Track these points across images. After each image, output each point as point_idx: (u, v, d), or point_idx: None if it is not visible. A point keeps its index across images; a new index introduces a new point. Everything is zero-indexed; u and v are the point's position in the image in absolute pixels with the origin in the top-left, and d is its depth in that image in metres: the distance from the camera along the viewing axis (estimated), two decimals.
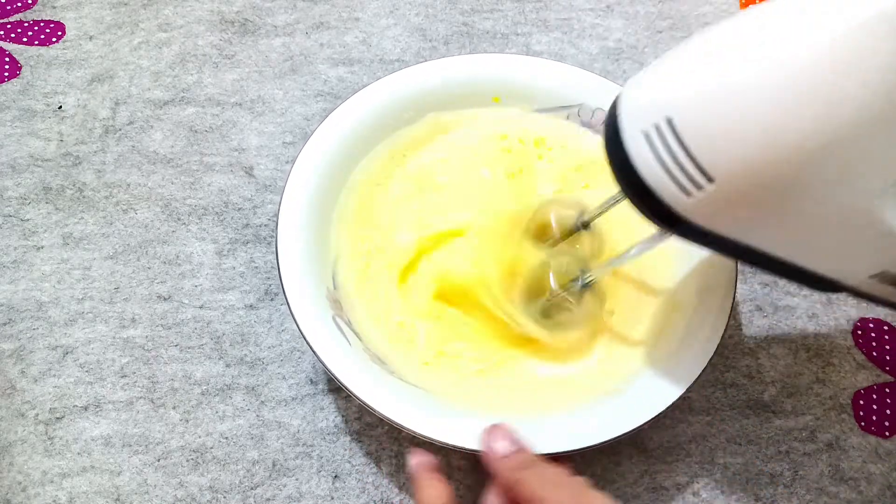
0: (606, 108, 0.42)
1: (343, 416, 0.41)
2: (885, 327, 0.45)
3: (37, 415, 0.41)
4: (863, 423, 0.42)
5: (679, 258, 0.42)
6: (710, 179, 0.27)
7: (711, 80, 0.27)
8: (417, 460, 0.35)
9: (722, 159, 0.27)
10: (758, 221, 0.29)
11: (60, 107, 0.51)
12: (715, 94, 0.27)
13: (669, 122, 0.27)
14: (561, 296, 0.39)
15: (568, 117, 0.46)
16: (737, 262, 0.40)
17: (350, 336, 0.38)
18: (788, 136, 0.26)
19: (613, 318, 0.41)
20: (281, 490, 0.39)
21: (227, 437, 0.40)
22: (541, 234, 0.41)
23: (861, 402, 0.42)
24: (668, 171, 0.28)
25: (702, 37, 0.28)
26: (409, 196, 0.44)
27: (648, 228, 0.32)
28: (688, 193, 0.28)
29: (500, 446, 0.33)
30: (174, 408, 0.41)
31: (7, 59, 0.53)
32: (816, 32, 0.25)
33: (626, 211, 0.33)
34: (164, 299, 0.44)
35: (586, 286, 0.38)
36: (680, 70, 0.28)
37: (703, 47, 0.28)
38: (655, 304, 0.41)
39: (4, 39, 0.54)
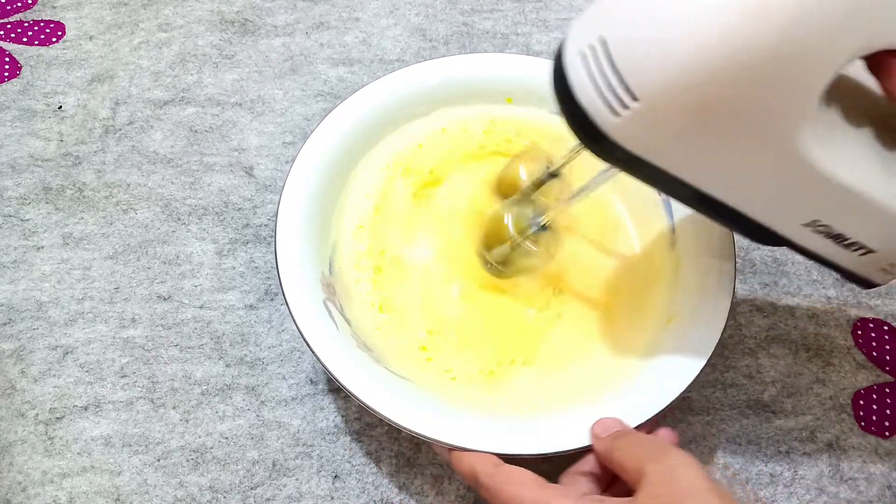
0: None
1: (343, 416, 0.41)
2: (885, 327, 0.45)
3: (37, 415, 0.41)
4: (863, 423, 0.42)
5: (682, 254, 0.42)
6: (634, 98, 0.28)
7: (643, 4, 0.28)
8: (479, 466, 0.35)
9: (645, 77, 0.28)
10: (681, 148, 0.29)
11: (60, 107, 0.51)
12: (642, 10, 0.27)
13: (603, 42, 0.28)
14: (519, 241, 0.39)
15: None
16: (735, 260, 0.40)
17: (339, 320, 0.38)
18: (711, 53, 0.26)
19: (613, 314, 0.41)
20: (281, 490, 0.39)
21: (227, 437, 0.40)
22: (512, 189, 0.42)
23: (861, 402, 0.42)
24: (599, 90, 0.29)
25: None
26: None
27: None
28: (615, 113, 0.29)
29: (604, 429, 0.35)
30: (174, 408, 0.41)
31: (7, 59, 0.53)
32: None
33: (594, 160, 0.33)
34: (164, 299, 0.44)
35: (543, 228, 0.39)
36: None
37: None
38: (655, 303, 0.41)
39: (4, 39, 0.54)
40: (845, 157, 0.30)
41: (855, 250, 0.34)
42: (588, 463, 0.34)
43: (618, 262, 0.43)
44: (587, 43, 0.29)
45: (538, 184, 0.41)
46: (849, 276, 0.36)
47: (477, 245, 0.41)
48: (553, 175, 0.40)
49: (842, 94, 0.30)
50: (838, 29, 0.26)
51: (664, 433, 0.35)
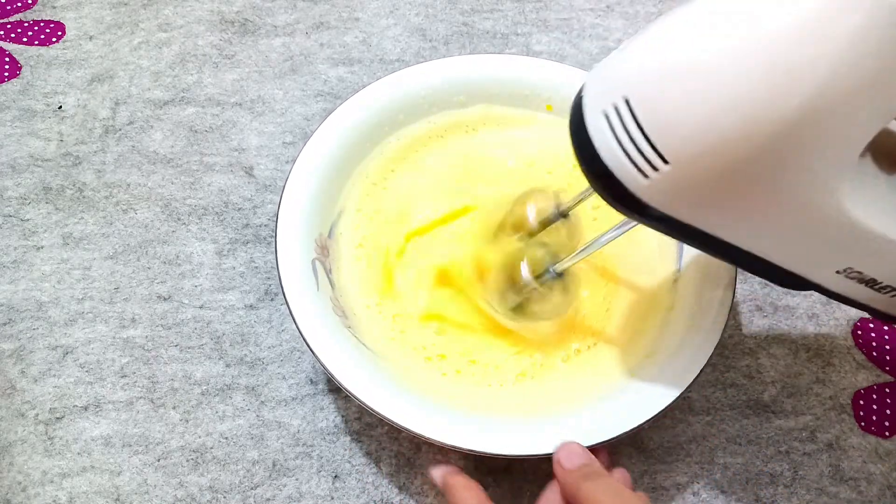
0: None
1: (343, 416, 0.41)
2: (885, 327, 0.45)
3: (37, 415, 0.41)
4: (863, 423, 0.42)
5: (676, 256, 0.42)
6: (665, 161, 0.27)
7: (667, 58, 0.27)
8: (442, 471, 0.35)
9: (676, 140, 0.27)
10: (714, 207, 0.29)
11: (60, 107, 0.51)
12: (669, 72, 0.26)
13: (627, 102, 0.27)
14: (532, 286, 0.38)
15: None
16: (736, 269, 0.40)
17: (322, 281, 0.38)
18: (743, 115, 0.26)
19: (610, 317, 0.41)
20: (281, 490, 0.39)
21: (227, 437, 0.40)
22: (519, 226, 0.41)
23: (861, 402, 0.42)
24: (626, 152, 0.28)
25: (663, 19, 0.28)
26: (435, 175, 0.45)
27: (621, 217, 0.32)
28: (645, 175, 0.28)
29: (569, 457, 0.33)
30: (174, 408, 0.41)
31: (7, 59, 0.53)
32: (775, 9, 0.25)
33: (603, 202, 0.32)
34: (164, 299, 0.44)
35: (558, 276, 0.38)
36: (638, 50, 0.28)
37: (663, 28, 0.28)
38: (655, 303, 0.41)
39: (4, 39, 0.54)
40: (879, 205, 0.30)
41: (888, 293, 0.33)
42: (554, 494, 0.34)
43: (623, 269, 0.43)
44: (610, 102, 0.28)
45: (546, 223, 0.40)
46: (880, 315, 0.35)
47: (482, 289, 0.40)
48: (562, 215, 0.40)
49: (874, 141, 0.29)
50: (873, 89, 0.25)
51: (620, 475, 0.34)
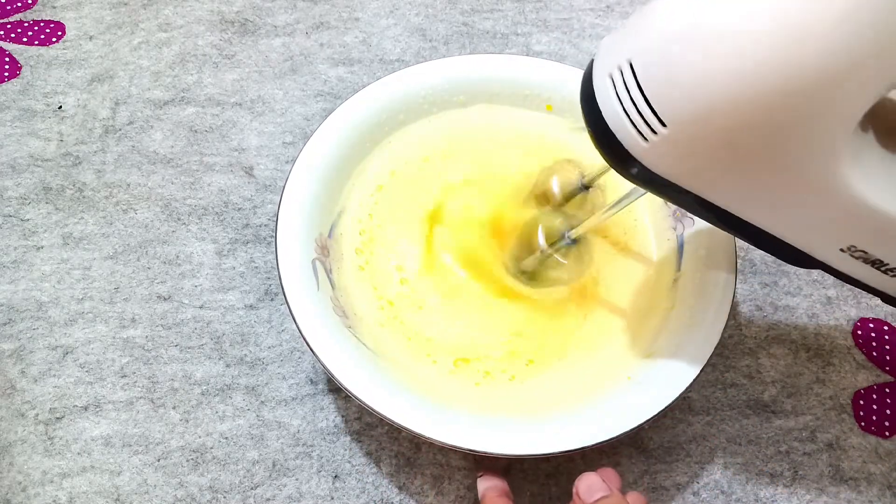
0: None
1: (343, 416, 0.41)
2: (885, 327, 0.45)
3: (37, 415, 0.41)
4: (863, 423, 0.42)
5: (676, 257, 0.42)
6: (663, 124, 0.28)
7: (669, 21, 0.27)
8: (487, 484, 0.35)
9: (673, 103, 0.27)
10: (712, 174, 0.29)
11: (60, 107, 0.51)
12: (670, 34, 0.27)
13: (630, 65, 0.28)
14: (548, 252, 0.39)
15: None
16: (735, 261, 0.40)
17: (322, 281, 0.39)
18: (740, 78, 0.26)
19: (610, 317, 0.41)
20: (281, 490, 0.39)
21: (227, 437, 0.40)
22: (544, 198, 0.42)
23: (861, 402, 0.42)
24: (627, 114, 0.28)
25: None
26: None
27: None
28: (645, 138, 0.28)
29: (588, 491, 0.33)
30: (174, 408, 0.41)
31: (7, 59, 0.53)
32: None
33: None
34: (164, 299, 0.44)
35: (573, 242, 0.39)
36: (645, 14, 0.28)
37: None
38: (655, 303, 0.41)
39: (4, 39, 0.54)
40: (882, 182, 0.29)
41: (894, 276, 0.33)
42: None
43: (631, 264, 0.43)
44: (616, 64, 0.28)
45: (569, 196, 0.41)
46: (890, 300, 0.35)
47: (504, 253, 0.42)
48: (586, 187, 0.41)
49: (877, 116, 0.29)
50: (880, 56, 0.25)
51: (634, 499, 0.34)
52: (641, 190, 0.34)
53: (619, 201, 0.37)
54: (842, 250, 0.31)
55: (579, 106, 0.31)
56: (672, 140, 0.28)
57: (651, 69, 0.27)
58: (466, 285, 0.42)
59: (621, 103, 0.28)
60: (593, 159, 0.44)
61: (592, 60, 0.30)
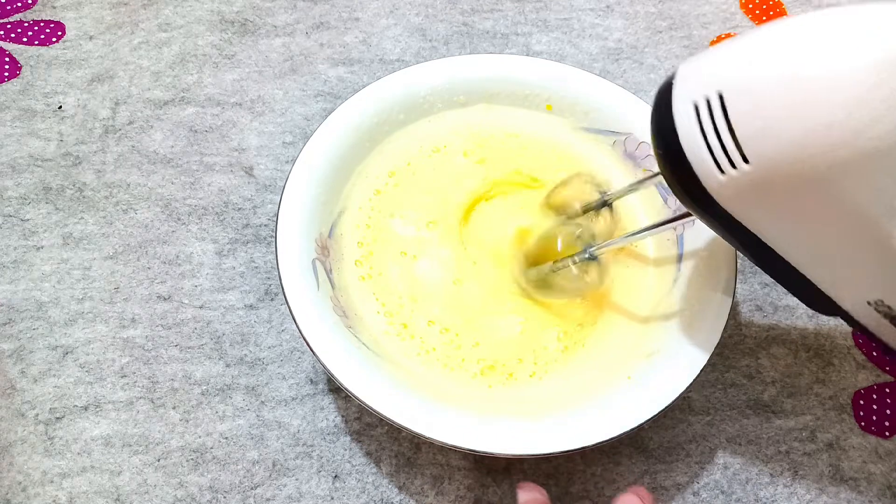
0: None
1: (343, 416, 0.41)
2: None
3: (37, 415, 0.41)
4: (863, 423, 0.42)
5: (676, 257, 0.42)
6: (745, 160, 0.27)
7: (771, 64, 0.27)
8: (527, 497, 0.35)
9: (761, 142, 0.27)
10: (778, 214, 0.29)
11: (60, 107, 0.51)
12: (771, 78, 0.27)
13: (720, 97, 0.28)
14: (564, 263, 0.39)
15: (614, 144, 0.46)
16: (735, 261, 0.40)
17: (322, 281, 0.39)
18: (840, 132, 0.26)
19: (610, 317, 0.41)
20: (281, 490, 0.39)
21: (227, 437, 0.40)
22: (562, 207, 0.42)
23: (861, 402, 0.42)
24: (708, 145, 0.28)
25: (770, 26, 0.28)
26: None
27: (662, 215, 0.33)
28: (722, 171, 0.28)
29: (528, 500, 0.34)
30: (174, 408, 0.41)
31: (7, 59, 0.53)
32: (889, 36, 0.25)
33: (645, 197, 0.35)
34: (164, 299, 0.44)
35: (592, 258, 0.39)
36: (741, 50, 0.28)
37: (774, 32, 0.28)
38: (655, 303, 0.41)
39: (4, 39, 0.54)
40: None
41: None
42: None
43: (632, 265, 0.43)
44: (703, 93, 0.28)
45: (588, 208, 0.41)
46: (891, 351, 0.36)
47: (509, 254, 0.42)
48: (606, 204, 0.41)
49: None
50: None
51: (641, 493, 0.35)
52: (686, 218, 0.34)
53: (656, 226, 0.37)
54: (869, 303, 0.32)
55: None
56: (751, 177, 0.28)
57: (744, 104, 0.27)
58: (467, 285, 0.42)
59: (703, 133, 0.28)
60: (608, 172, 0.45)
61: (670, 83, 0.30)
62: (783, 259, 0.31)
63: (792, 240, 0.30)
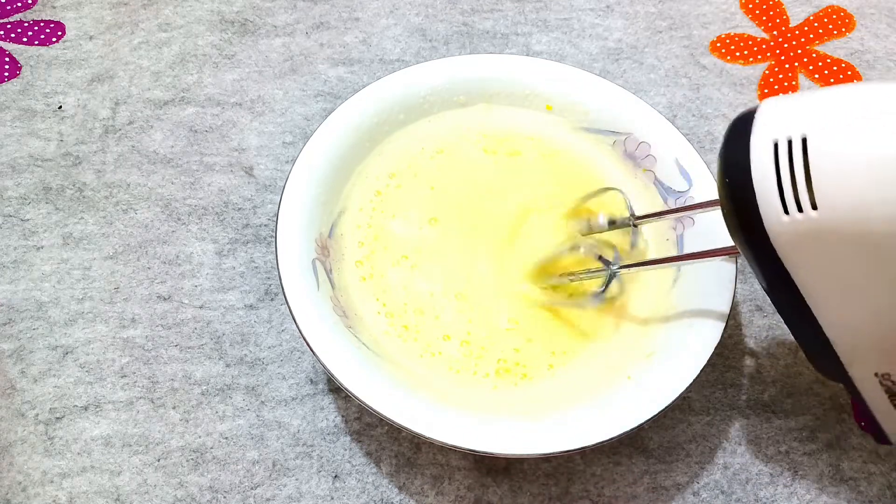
0: (651, 141, 0.44)
1: (343, 416, 0.41)
2: None
3: (37, 415, 0.41)
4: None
5: (684, 252, 0.42)
6: (814, 206, 0.28)
7: (865, 120, 0.27)
8: None
9: (835, 193, 0.27)
10: (827, 266, 0.29)
11: (60, 107, 0.51)
12: (862, 133, 0.27)
13: (804, 139, 0.28)
14: (589, 275, 0.40)
15: (614, 144, 0.46)
16: (736, 261, 0.40)
17: (322, 281, 0.39)
18: None
19: (611, 317, 0.41)
20: (281, 490, 0.39)
21: (227, 437, 0.40)
22: (586, 217, 0.43)
23: None
24: (780, 184, 0.28)
25: (872, 84, 0.29)
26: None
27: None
28: (787, 212, 0.28)
29: None
30: (174, 408, 0.41)
31: (7, 59, 0.53)
32: None
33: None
34: (164, 299, 0.44)
35: (613, 276, 0.39)
36: (836, 99, 0.28)
37: (871, 92, 0.28)
38: (655, 303, 0.41)
39: (4, 39, 0.54)
40: None
41: None
42: None
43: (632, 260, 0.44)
44: (784, 134, 0.28)
45: (612, 225, 0.41)
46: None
47: (513, 257, 0.42)
48: (633, 224, 0.41)
49: None
50: None
51: None
52: (732, 251, 0.35)
53: (693, 255, 0.38)
54: (876, 374, 0.32)
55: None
56: (815, 224, 0.28)
57: (826, 152, 0.27)
58: (467, 285, 0.42)
59: (777, 172, 0.28)
60: (608, 172, 0.45)
61: (750, 116, 0.30)
62: (811, 312, 0.31)
63: (829, 295, 0.30)
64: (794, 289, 0.31)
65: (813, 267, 0.30)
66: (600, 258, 0.40)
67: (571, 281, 0.40)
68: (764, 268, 0.31)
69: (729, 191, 0.30)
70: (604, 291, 0.39)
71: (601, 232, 0.42)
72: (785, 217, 0.28)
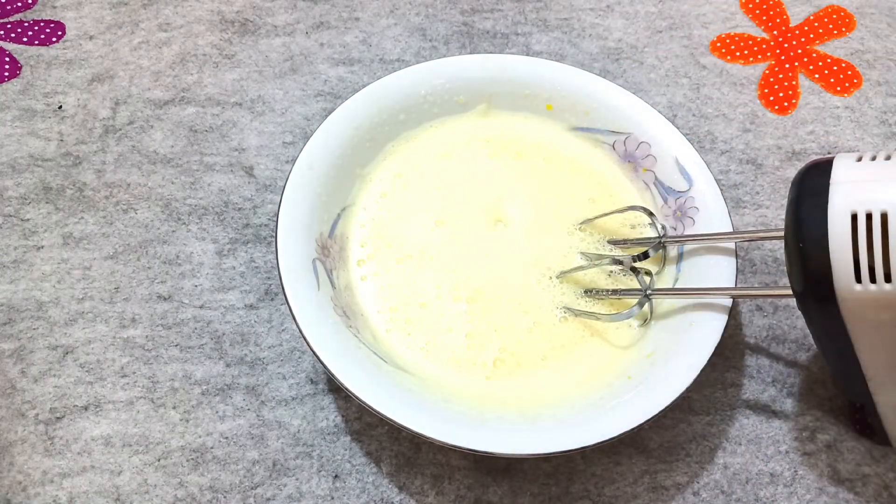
0: (651, 141, 0.44)
1: (343, 416, 0.41)
2: None
3: (37, 415, 0.41)
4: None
5: (676, 257, 0.42)
6: (888, 279, 0.28)
7: None
8: None
9: None
10: (889, 332, 0.30)
11: (60, 107, 0.51)
12: None
13: (884, 216, 0.28)
14: (608, 294, 0.40)
15: (614, 144, 0.46)
16: (736, 261, 0.40)
17: (323, 281, 0.39)
18: None
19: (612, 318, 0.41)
20: (281, 490, 0.39)
21: (227, 437, 0.40)
22: (614, 232, 0.43)
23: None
24: (856, 255, 0.29)
25: None
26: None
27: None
28: (859, 281, 0.29)
29: None
30: (174, 408, 0.41)
31: (7, 59, 0.53)
32: None
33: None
34: (164, 299, 0.44)
35: (647, 298, 0.39)
36: None
37: None
38: (655, 303, 0.41)
39: (4, 39, 0.54)
40: None
41: None
42: None
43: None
44: (864, 207, 0.29)
45: (642, 241, 0.42)
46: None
47: (517, 259, 0.42)
48: (662, 246, 0.41)
49: None
50: None
51: None
52: (786, 293, 0.35)
53: (745, 292, 0.38)
54: None
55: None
56: (886, 296, 0.28)
57: None
58: (472, 284, 0.42)
59: (854, 243, 0.29)
60: (608, 172, 0.45)
61: (826, 178, 0.30)
62: (857, 359, 0.32)
63: (882, 352, 0.31)
64: (846, 342, 0.31)
65: (874, 330, 0.30)
66: (637, 277, 0.40)
67: (607, 297, 0.41)
68: (821, 321, 0.32)
69: (803, 254, 0.31)
70: (634, 312, 0.39)
71: (628, 250, 0.42)
72: (857, 286, 0.29)
